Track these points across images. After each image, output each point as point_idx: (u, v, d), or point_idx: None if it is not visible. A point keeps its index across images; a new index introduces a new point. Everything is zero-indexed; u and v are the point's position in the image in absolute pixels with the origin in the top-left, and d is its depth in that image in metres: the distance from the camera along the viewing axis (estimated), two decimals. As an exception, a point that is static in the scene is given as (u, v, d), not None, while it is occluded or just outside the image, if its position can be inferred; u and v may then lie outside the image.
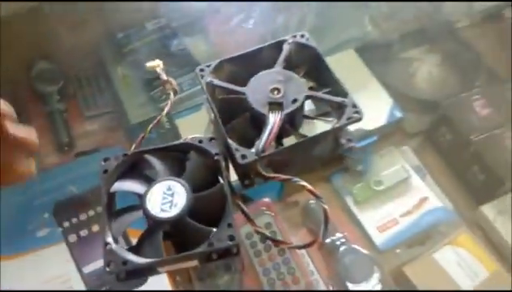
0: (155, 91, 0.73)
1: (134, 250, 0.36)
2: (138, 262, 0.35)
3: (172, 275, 0.56)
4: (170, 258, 0.36)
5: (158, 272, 0.38)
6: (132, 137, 0.71)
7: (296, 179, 0.37)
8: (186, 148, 0.40)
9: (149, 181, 0.38)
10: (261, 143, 0.37)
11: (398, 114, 0.69)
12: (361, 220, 0.63)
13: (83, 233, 0.60)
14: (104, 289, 0.56)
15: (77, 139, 0.72)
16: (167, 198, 0.37)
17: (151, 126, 0.44)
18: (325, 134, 0.39)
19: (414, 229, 0.61)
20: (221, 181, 0.38)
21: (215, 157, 0.39)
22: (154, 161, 0.39)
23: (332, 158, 0.57)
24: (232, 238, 0.35)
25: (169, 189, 0.37)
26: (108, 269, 0.35)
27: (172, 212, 0.36)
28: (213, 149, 0.39)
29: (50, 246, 0.59)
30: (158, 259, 0.35)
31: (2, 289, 0.56)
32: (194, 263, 0.37)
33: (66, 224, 0.61)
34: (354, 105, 0.38)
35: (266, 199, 0.61)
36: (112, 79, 0.77)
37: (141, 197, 0.37)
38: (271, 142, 0.37)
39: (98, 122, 0.75)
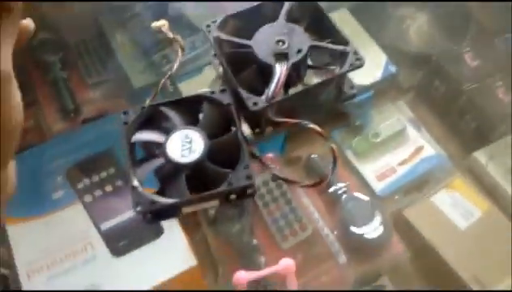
0: (156, 55, 0.75)
1: (159, 193, 0.39)
2: (165, 202, 0.38)
3: (187, 230, 0.59)
4: (194, 197, 0.39)
5: (181, 214, 0.41)
6: (135, 102, 0.72)
7: (305, 122, 0.39)
8: (200, 99, 0.43)
9: (166, 131, 0.41)
10: (270, 90, 0.39)
11: (393, 69, 0.71)
12: (361, 170, 0.66)
13: (97, 193, 0.63)
14: (121, 243, 0.59)
15: (81, 106, 0.74)
16: (186, 145, 0.39)
17: (162, 81, 0.46)
18: (329, 80, 0.41)
19: (411, 176, 0.65)
20: (234, 128, 0.41)
21: (229, 107, 0.42)
22: (170, 112, 0.42)
23: (332, 115, 0.60)
24: (249, 177, 0.38)
25: (187, 137, 0.40)
26: (137, 209, 0.38)
27: (192, 157, 0.38)
28: (225, 99, 0.42)
29: (66, 208, 0.62)
30: (182, 199, 0.38)
31: (22, 251, 0.59)
32: (215, 203, 0.40)
33: (80, 185, 0.63)
34: (355, 52, 0.41)
35: (270, 155, 0.64)
36: (112, 46, 0.78)
37: (161, 145, 0.40)
38: (280, 89, 0.39)
39: (101, 89, 0.76)
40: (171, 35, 0.48)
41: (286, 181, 0.44)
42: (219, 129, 0.41)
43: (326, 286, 0.57)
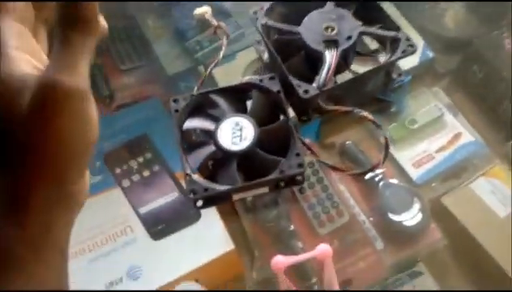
0: (190, 41, 0.75)
1: (210, 179, 0.39)
2: (219, 189, 0.38)
3: (224, 215, 0.60)
4: (246, 185, 0.39)
5: (231, 200, 0.41)
6: (169, 88, 0.73)
7: (357, 110, 0.39)
8: (248, 87, 0.43)
9: (214, 119, 0.41)
10: (321, 78, 0.39)
11: (430, 54, 0.70)
12: (397, 157, 0.65)
13: (135, 178, 0.64)
14: (159, 227, 0.60)
15: (116, 92, 0.75)
16: (236, 132, 0.39)
17: (210, 68, 0.46)
18: (380, 67, 0.41)
19: (449, 162, 0.64)
20: (283, 116, 0.41)
21: (279, 94, 0.41)
22: (219, 100, 0.42)
23: (369, 101, 0.60)
24: (300, 165, 0.38)
25: (237, 124, 0.40)
26: (192, 196, 0.38)
27: (243, 145, 0.39)
28: (274, 87, 0.41)
29: (105, 192, 0.63)
30: (235, 186, 0.38)
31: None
32: (265, 190, 0.40)
33: (118, 170, 0.64)
34: (407, 38, 0.40)
35: (307, 140, 0.64)
36: (143, 32, 0.78)
37: (211, 133, 0.40)
38: (331, 77, 0.39)
39: (134, 75, 0.77)
40: (215, 22, 0.48)
41: (333, 168, 0.44)
42: (267, 116, 0.41)
43: (363, 272, 0.58)
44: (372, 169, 0.41)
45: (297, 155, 0.38)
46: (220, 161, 0.40)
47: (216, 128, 0.39)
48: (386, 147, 0.39)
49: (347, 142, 0.66)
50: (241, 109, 0.41)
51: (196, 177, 0.39)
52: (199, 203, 0.40)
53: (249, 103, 0.42)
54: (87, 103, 0.25)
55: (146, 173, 0.64)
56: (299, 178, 0.39)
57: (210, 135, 0.40)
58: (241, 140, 0.39)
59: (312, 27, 0.41)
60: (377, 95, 0.46)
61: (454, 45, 0.74)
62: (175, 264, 0.57)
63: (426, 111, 0.67)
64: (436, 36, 0.74)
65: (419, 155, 0.65)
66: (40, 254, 0.25)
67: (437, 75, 0.73)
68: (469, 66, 0.71)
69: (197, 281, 0.56)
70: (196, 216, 0.60)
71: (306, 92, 0.39)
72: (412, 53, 0.39)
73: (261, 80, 0.42)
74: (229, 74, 0.71)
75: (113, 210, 0.61)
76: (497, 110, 0.68)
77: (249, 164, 0.39)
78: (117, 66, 0.77)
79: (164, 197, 0.62)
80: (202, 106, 0.42)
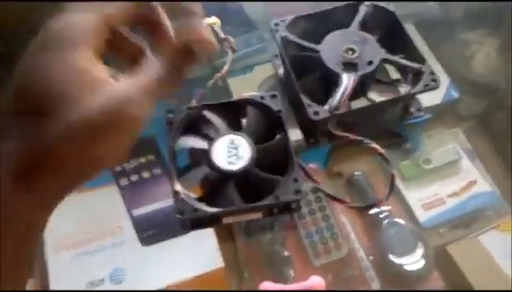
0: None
1: (201, 199, 0.37)
2: (208, 210, 0.36)
3: (217, 231, 0.58)
4: (237, 208, 0.37)
5: (220, 223, 0.39)
6: (183, 93, 0.71)
7: (367, 141, 0.37)
8: (247, 103, 0.41)
9: (207, 137, 0.39)
10: (334, 101, 0.37)
11: (455, 94, 0.67)
12: (406, 196, 0.62)
13: (134, 178, 0.62)
14: (150, 232, 0.58)
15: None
16: (232, 151, 0.37)
17: (211, 81, 0.44)
18: (399, 99, 0.38)
19: (460, 210, 0.61)
20: (281, 134, 0.38)
21: (279, 114, 0.39)
22: (212, 117, 0.40)
23: (382, 134, 0.57)
24: (298, 191, 0.35)
25: (232, 143, 0.38)
26: (179, 217, 0.36)
27: (239, 164, 0.36)
28: (275, 106, 0.39)
29: (101, 188, 0.61)
30: (226, 208, 0.36)
31: (52, 225, 0.58)
32: (258, 215, 0.38)
33: (118, 168, 0.62)
34: (432, 73, 0.38)
35: (313, 165, 0.61)
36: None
37: (205, 152, 0.38)
38: (345, 101, 0.37)
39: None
40: (222, 35, 0.46)
41: (334, 199, 0.41)
42: (264, 134, 0.38)
43: (355, 312, 0.54)
44: (375, 205, 0.38)
45: (295, 180, 0.35)
46: (216, 182, 0.37)
47: (211, 147, 0.37)
48: (392, 184, 0.36)
49: (356, 173, 0.64)
50: (235, 126, 0.39)
51: (185, 196, 0.37)
52: (187, 223, 0.37)
53: (243, 120, 0.40)
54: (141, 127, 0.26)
55: (146, 175, 0.62)
56: (294, 205, 0.36)
57: (204, 155, 0.37)
58: (237, 160, 0.36)
59: (332, 47, 0.39)
60: (392, 128, 0.43)
61: (480, 89, 0.71)
62: (160, 274, 0.55)
63: (443, 152, 0.65)
64: (462, 76, 0.72)
65: (429, 197, 0.62)
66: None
67: (459, 117, 0.70)
68: (494, 113, 0.68)
69: (180, 294, 0.54)
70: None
71: (316, 113, 0.37)
72: (435, 88, 0.37)
73: (262, 97, 0.40)
74: (244, 85, 0.69)
75: (105, 208, 0.60)
76: (517, 162, 0.64)
77: (246, 184, 0.37)
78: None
79: (160, 202, 0.60)
80: (197, 122, 0.40)
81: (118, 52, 0.28)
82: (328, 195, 0.40)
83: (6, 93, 0.24)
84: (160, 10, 0.27)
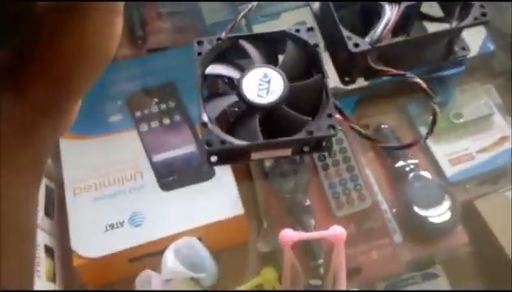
0: (234, -6, 0.71)
1: (229, 133, 0.35)
2: (236, 143, 0.34)
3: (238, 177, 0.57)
4: (267, 142, 0.35)
5: (249, 159, 0.37)
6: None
7: (410, 75, 0.35)
8: (283, 36, 0.38)
9: (240, 68, 0.37)
10: (376, 32, 0.34)
11: (491, 47, 0.64)
12: (434, 151, 0.60)
13: (154, 124, 0.61)
14: (170, 178, 0.57)
15: (150, 34, 0.72)
16: (263, 84, 0.35)
17: (242, 14, 0.42)
18: (444, 32, 0.36)
19: (488, 166, 0.59)
20: (317, 71, 0.36)
21: (316, 48, 0.37)
22: (248, 47, 0.38)
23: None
24: (332, 127, 0.34)
25: (266, 76, 0.36)
26: (207, 148, 0.34)
27: (269, 99, 0.35)
28: (311, 39, 0.37)
29: (121, 133, 0.61)
30: (255, 142, 0.34)
31: (72, 167, 0.58)
32: (288, 152, 0.36)
33: (138, 113, 0.61)
34: (482, 6, 0.35)
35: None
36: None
37: (236, 81, 0.36)
38: (388, 34, 0.34)
39: (172, 20, 0.73)
40: None
41: (368, 138, 0.39)
42: (299, 72, 0.37)
43: (375, 263, 0.54)
44: (407, 146, 0.36)
45: (329, 116, 0.34)
46: (242, 114, 0.36)
47: (242, 77, 0.35)
48: (433, 121, 0.34)
49: (383, 125, 0.62)
50: (271, 61, 0.37)
51: (213, 127, 0.35)
52: (213, 158, 0.36)
53: (281, 57, 0.38)
54: (117, 17, 0.24)
55: (166, 121, 0.61)
56: (327, 143, 0.35)
57: (234, 84, 0.36)
58: (267, 93, 0.35)
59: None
60: (433, 68, 0.41)
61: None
62: (179, 218, 0.55)
63: (475, 107, 0.62)
64: (499, 30, 0.68)
65: (458, 152, 0.60)
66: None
67: (493, 72, 0.67)
68: (529, 68, 0.64)
69: (199, 239, 0.54)
70: (209, 174, 0.57)
71: (356, 45, 0.34)
72: (484, 23, 0.34)
73: (297, 30, 0.37)
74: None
75: (125, 152, 0.59)
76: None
77: (273, 121, 0.35)
78: (156, 6, 0.74)
79: (180, 149, 0.59)
80: (228, 53, 0.38)
81: None
82: (361, 134, 0.38)
83: None
84: None
